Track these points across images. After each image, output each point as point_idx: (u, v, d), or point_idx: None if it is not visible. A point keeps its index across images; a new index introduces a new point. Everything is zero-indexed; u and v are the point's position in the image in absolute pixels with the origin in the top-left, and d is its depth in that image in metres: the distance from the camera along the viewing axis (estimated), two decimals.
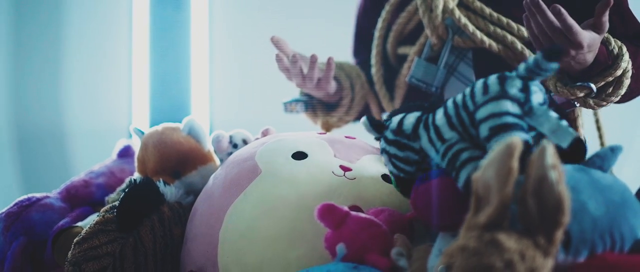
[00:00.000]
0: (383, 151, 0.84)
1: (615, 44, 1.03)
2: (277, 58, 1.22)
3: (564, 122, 0.69)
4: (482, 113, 0.71)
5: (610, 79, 1.03)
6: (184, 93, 2.48)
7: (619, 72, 1.02)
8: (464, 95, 0.75)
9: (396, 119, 0.83)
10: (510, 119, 0.69)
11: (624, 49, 1.03)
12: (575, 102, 1.07)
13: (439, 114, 0.77)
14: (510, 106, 0.70)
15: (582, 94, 1.03)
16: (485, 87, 0.73)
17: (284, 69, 1.24)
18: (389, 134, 0.82)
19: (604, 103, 1.06)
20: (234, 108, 2.50)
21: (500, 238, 0.57)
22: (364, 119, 0.86)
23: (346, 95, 1.38)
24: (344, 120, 1.43)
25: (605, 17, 0.96)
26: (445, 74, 1.22)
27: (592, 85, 1.02)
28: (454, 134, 0.75)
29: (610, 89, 1.05)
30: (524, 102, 0.71)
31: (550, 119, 0.69)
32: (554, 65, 0.70)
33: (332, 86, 1.32)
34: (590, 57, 0.99)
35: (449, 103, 0.77)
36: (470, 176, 0.69)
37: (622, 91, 1.05)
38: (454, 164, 0.71)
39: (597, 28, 0.97)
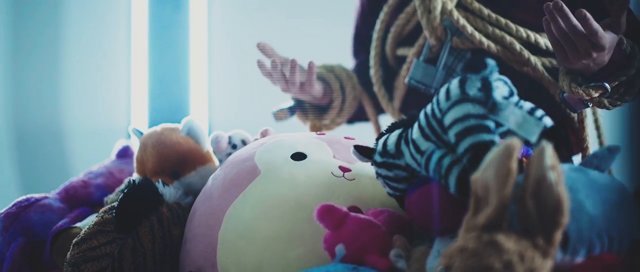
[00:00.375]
0: (377, 175, 0.84)
1: (627, 43, 1.03)
2: (259, 64, 1.22)
3: (534, 114, 0.69)
4: (447, 120, 0.72)
5: (624, 78, 1.03)
6: (183, 93, 2.48)
7: (632, 72, 1.03)
8: (432, 104, 0.75)
9: (380, 141, 0.84)
10: (472, 122, 0.69)
11: (637, 48, 1.04)
12: (589, 103, 1.07)
13: (415, 128, 0.78)
14: (471, 108, 0.70)
15: (597, 94, 1.03)
16: (448, 92, 0.73)
17: (266, 74, 1.24)
18: (377, 157, 0.83)
19: (619, 103, 1.06)
20: (233, 109, 2.50)
21: (499, 239, 0.57)
22: (352, 148, 0.87)
23: (336, 98, 1.39)
24: (336, 123, 1.44)
25: (624, 18, 0.96)
26: (444, 75, 1.22)
27: (607, 85, 1.02)
28: (429, 144, 0.75)
29: (622, 88, 1.05)
30: (486, 100, 0.70)
31: (515, 112, 0.69)
32: (489, 70, 0.70)
33: (316, 89, 1.33)
34: (607, 57, 0.99)
35: (421, 114, 0.77)
36: (459, 178, 0.69)
37: (635, 90, 1.06)
38: (439, 172, 0.71)
39: (614, 28, 0.97)
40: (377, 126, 1.44)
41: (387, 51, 1.33)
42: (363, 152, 0.86)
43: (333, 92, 1.39)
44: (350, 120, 1.47)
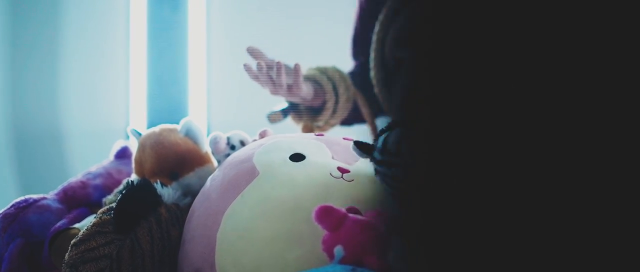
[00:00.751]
0: (376, 172, 0.84)
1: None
2: (245, 67, 1.22)
3: None
4: None
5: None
6: (182, 94, 2.48)
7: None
8: None
9: (381, 138, 0.83)
10: None
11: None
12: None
13: None
14: None
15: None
16: None
17: (254, 78, 1.24)
18: (377, 154, 0.83)
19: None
20: (231, 109, 2.50)
21: None
22: (352, 144, 0.86)
23: (329, 99, 1.39)
24: (330, 124, 1.44)
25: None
26: None
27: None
28: None
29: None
30: None
31: None
32: None
33: (305, 91, 1.33)
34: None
35: None
36: None
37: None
38: None
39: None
40: (374, 128, 1.45)
41: (387, 53, 1.33)
42: (363, 148, 0.86)
43: (326, 93, 1.39)
44: (347, 122, 1.47)
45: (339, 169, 0.92)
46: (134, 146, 1.19)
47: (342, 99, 1.39)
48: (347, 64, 1.48)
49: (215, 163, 1.13)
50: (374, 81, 1.34)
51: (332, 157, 0.96)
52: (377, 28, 1.32)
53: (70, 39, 2.50)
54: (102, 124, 2.48)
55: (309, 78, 1.38)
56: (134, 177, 1.15)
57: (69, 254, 0.90)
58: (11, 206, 1.11)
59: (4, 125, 2.44)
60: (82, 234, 0.92)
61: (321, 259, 0.78)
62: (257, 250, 0.84)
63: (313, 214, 0.76)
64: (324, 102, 1.39)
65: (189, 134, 1.14)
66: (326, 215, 0.76)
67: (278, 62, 1.21)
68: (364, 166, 0.95)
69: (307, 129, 1.42)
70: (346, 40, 1.49)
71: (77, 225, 1.05)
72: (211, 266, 0.87)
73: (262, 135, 1.12)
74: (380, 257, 0.74)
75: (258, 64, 1.21)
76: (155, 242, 0.93)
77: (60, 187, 1.20)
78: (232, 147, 1.09)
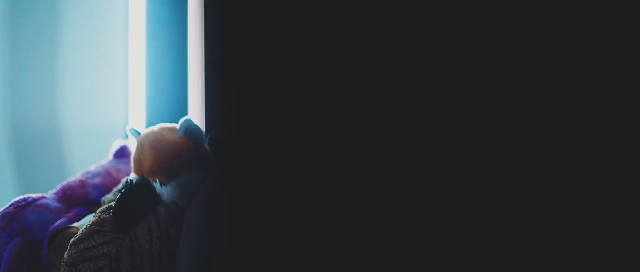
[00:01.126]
0: None
1: None
2: None
3: None
4: None
5: None
6: (181, 93, 2.48)
7: None
8: None
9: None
10: None
11: None
12: None
13: None
14: None
15: None
16: None
17: None
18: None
19: None
20: None
21: None
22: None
23: None
24: None
25: None
26: None
27: None
28: None
29: None
30: None
31: None
32: None
33: None
34: None
35: None
36: None
37: None
38: None
39: None
40: None
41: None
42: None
43: None
44: None
45: None
46: (132, 145, 1.19)
47: None
48: None
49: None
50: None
51: None
52: None
53: (69, 39, 2.50)
54: (101, 123, 2.49)
55: None
56: (133, 176, 1.15)
57: (68, 253, 0.91)
58: (10, 205, 1.11)
59: (2, 124, 2.44)
60: (81, 233, 0.92)
61: None
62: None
63: None
64: None
65: (187, 132, 1.14)
66: None
67: None
68: None
69: None
70: None
71: (76, 224, 1.05)
72: None
73: None
74: None
75: None
76: (154, 241, 0.93)
77: (59, 186, 1.20)
78: None
